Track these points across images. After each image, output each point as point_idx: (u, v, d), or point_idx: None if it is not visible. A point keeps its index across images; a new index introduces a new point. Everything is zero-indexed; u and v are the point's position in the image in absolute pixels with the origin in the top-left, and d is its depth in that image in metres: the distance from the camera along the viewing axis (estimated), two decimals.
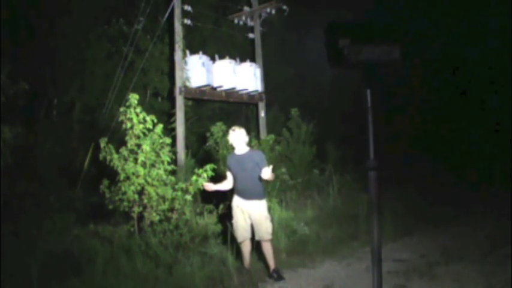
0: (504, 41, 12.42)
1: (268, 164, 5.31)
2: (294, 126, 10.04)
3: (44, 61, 8.78)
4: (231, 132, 5.39)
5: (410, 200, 8.89)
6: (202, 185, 5.84)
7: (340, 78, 11.27)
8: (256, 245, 5.47)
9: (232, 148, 5.53)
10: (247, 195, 5.22)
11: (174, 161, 6.79)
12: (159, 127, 5.98)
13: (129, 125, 5.82)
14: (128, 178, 5.72)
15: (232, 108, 11.85)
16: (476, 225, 7.56)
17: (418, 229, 7.56)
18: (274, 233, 5.62)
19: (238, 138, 5.32)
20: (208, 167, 6.06)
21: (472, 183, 10.47)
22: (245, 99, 10.25)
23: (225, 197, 5.57)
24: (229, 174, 5.47)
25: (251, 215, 5.25)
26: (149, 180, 5.74)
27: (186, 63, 9.05)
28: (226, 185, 5.51)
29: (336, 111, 12.75)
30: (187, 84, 8.97)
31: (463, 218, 8.29)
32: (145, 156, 5.76)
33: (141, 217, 5.88)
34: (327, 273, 5.49)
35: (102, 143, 5.86)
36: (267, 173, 5.04)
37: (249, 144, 5.47)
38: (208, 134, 9.11)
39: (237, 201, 5.33)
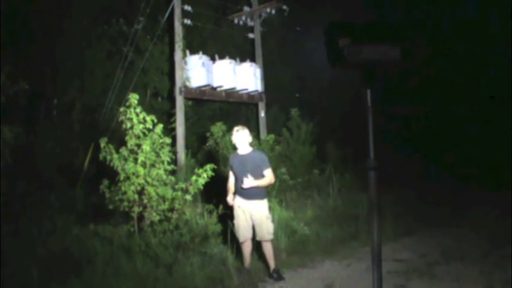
0: (505, 40, 12.42)
1: (271, 165, 5.32)
2: (294, 126, 10.04)
3: (44, 61, 8.78)
4: (234, 132, 5.38)
5: (410, 200, 8.89)
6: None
7: (340, 78, 11.27)
8: (256, 245, 5.48)
9: (234, 148, 5.51)
10: (248, 195, 5.22)
11: (174, 161, 6.79)
12: (159, 127, 5.98)
13: (129, 125, 5.82)
14: (128, 178, 5.72)
15: (232, 108, 11.85)
16: (476, 225, 7.55)
17: (418, 229, 7.56)
18: (274, 233, 5.62)
19: (241, 138, 5.31)
20: (208, 167, 6.05)
21: (471, 183, 10.46)
22: (245, 99, 10.25)
23: (225, 197, 5.57)
24: (231, 174, 5.47)
25: (252, 215, 5.25)
26: (149, 180, 5.74)
27: (186, 63, 9.05)
28: (233, 186, 5.47)
29: (336, 111, 12.75)
30: (187, 84, 8.97)
31: (463, 218, 8.29)
32: (145, 156, 5.76)
33: (141, 217, 5.88)
34: (327, 273, 5.50)
35: (102, 143, 5.86)
36: (247, 183, 5.06)
37: (251, 144, 5.46)
38: (208, 134, 9.11)
39: (238, 202, 5.33)
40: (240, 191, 5.29)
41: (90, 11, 9.52)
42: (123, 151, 5.83)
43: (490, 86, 13.15)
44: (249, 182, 5.08)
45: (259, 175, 5.18)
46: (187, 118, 9.26)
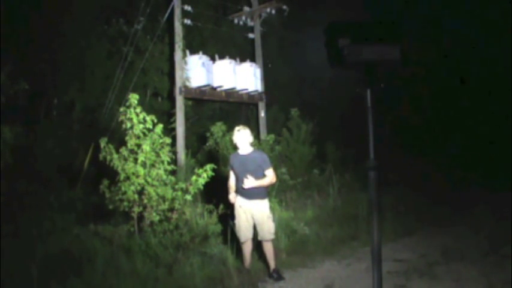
0: (505, 40, 12.42)
1: (272, 165, 5.32)
2: (294, 126, 10.04)
3: (44, 61, 8.77)
4: (235, 132, 5.37)
5: (410, 200, 8.89)
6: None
7: (340, 78, 11.27)
8: (256, 245, 5.48)
9: (234, 148, 5.50)
10: (249, 195, 5.21)
11: (174, 161, 6.79)
12: (159, 127, 5.98)
13: (129, 125, 5.82)
14: (128, 178, 5.72)
15: (232, 108, 11.86)
16: (476, 225, 7.55)
17: (418, 229, 7.56)
18: (275, 232, 5.62)
19: (242, 138, 5.31)
20: (208, 167, 6.05)
21: (471, 183, 10.46)
22: (245, 99, 10.26)
23: (225, 197, 5.57)
24: (231, 174, 5.47)
25: (253, 215, 5.25)
26: (149, 180, 5.74)
27: (186, 63, 9.06)
28: (234, 185, 5.47)
29: (336, 111, 12.76)
30: (187, 84, 8.98)
31: (463, 218, 8.28)
32: (145, 156, 5.76)
33: (141, 217, 5.88)
34: (327, 273, 5.49)
35: (102, 143, 5.86)
36: (248, 183, 5.07)
37: (252, 144, 5.46)
38: (208, 134, 9.12)
39: (239, 201, 5.33)
40: (241, 191, 5.29)
41: (90, 11, 9.51)
42: (123, 151, 5.83)
43: (491, 86, 13.13)
44: (249, 182, 5.08)
45: (260, 175, 5.19)
46: (187, 118, 9.27)
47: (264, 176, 5.21)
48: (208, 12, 10.47)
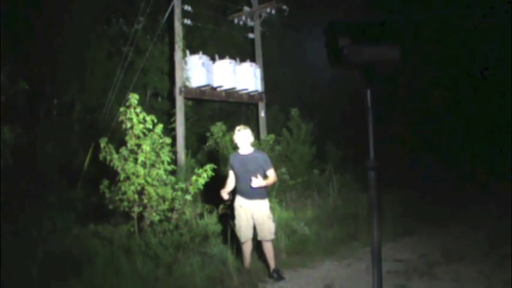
0: (504, 39, 12.42)
1: (273, 166, 5.32)
2: (294, 126, 10.04)
3: (44, 61, 8.77)
4: (236, 132, 5.36)
5: (410, 200, 8.89)
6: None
7: (340, 78, 11.27)
8: (256, 245, 5.48)
9: (234, 148, 5.50)
10: (250, 195, 5.21)
11: (174, 161, 6.79)
12: (159, 127, 5.98)
13: (129, 125, 5.82)
14: (127, 178, 5.72)
15: (232, 108, 11.86)
16: (476, 225, 7.55)
17: (418, 229, 7.56)
18: (275, 232, 5.62)
19: (243, 138, 5.31)
20: (208, 167, 6.06)
21: (472, 183, 10.45)
22: (245, 99, 10.26)
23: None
24: (231, 173, 5.46)
25: (254, 215, 5.25)
26: (149, 180, 5.74)
27: (186, 63, 9.05)
28: (231, 184, 5.48)
29: (336, 111, 12.75)
30: (187, 84, 8.98)
31: (463, 218, 8.28)
32: (145, 156, 5.77)
33: (141, 217, 5.88)
34: (327, 273, 5.50)
35: (102, 143, 5.86)
36: (256, 182, 5.06)
37: (252, 144, 5.45)
38: (208, 134, 9.12)
39: (239, 202, 5.32)
40: (241, 191, 5.29)
41: (90, 11, 9.51)
42: (123, 151, 5.84)
43: (492, 86, 13.13)
44: (258, 181, 5.07)
45: (261, 175, 5.18)
46: (187, 118, 9.26)
47: (265, 176, 5.21)
48: (208, 12, 10.47)
